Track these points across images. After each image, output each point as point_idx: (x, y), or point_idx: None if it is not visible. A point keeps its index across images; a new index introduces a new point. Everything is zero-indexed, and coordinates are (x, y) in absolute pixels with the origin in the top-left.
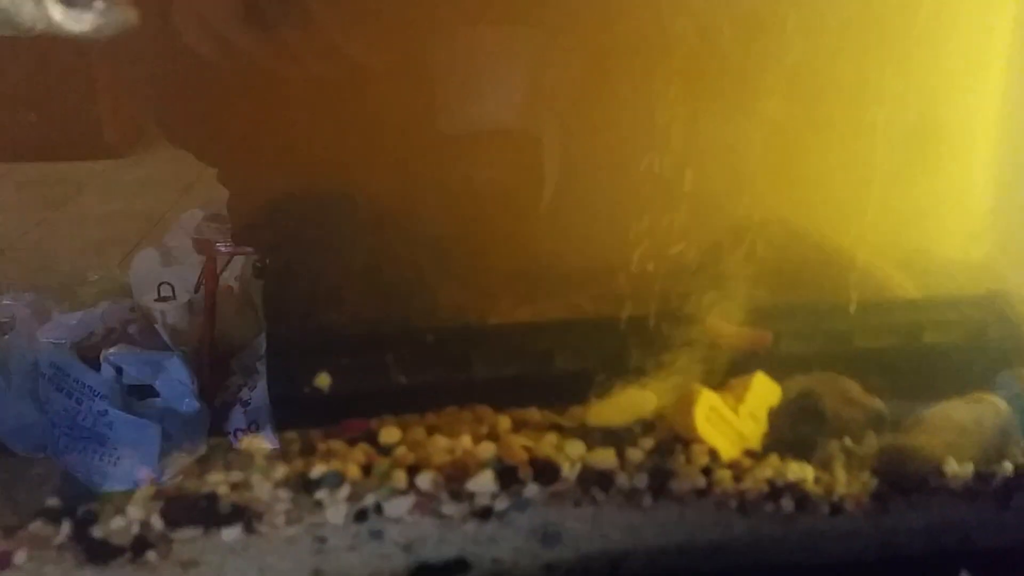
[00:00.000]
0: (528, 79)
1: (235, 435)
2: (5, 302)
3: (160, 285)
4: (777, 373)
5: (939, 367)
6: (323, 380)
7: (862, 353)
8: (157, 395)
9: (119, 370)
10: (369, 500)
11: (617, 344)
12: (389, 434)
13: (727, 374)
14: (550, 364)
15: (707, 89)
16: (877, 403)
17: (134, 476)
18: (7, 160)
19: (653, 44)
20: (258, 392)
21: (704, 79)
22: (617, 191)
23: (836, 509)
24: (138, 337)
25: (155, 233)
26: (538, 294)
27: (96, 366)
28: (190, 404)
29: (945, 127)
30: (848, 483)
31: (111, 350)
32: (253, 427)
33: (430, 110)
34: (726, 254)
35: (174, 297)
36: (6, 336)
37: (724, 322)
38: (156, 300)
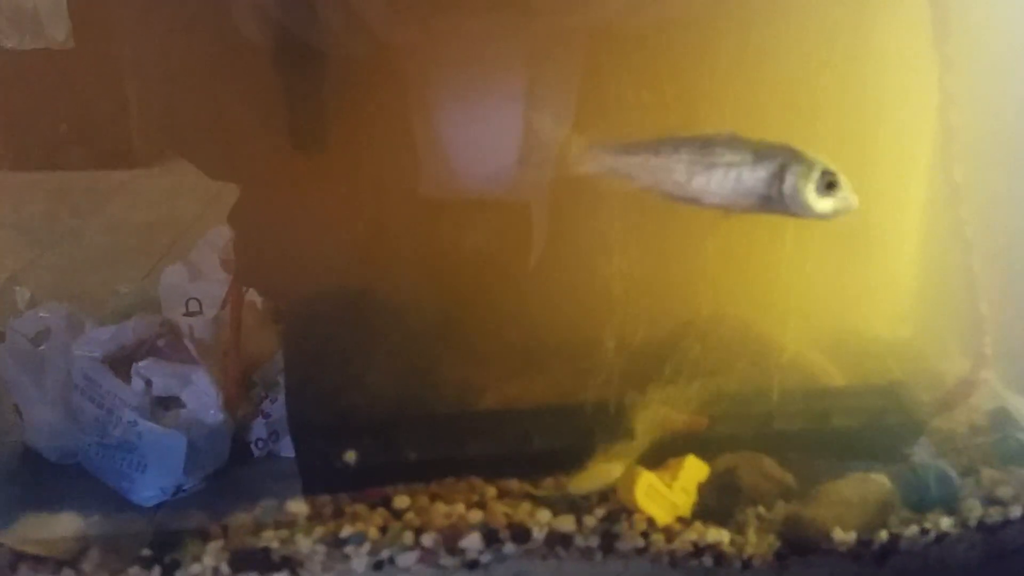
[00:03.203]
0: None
1: (256, 444)
2: (41, 314)
3: (188, 300)
4: (711, 450)
5: (844, 447)
6: (350, 456)
7: (781, 434)
8: (184, 406)
9: (148, 382)
10: (385, 554)
11: (583, 425)
12: (401, 501)
13: (671, 451)
14: (529, 443)
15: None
16: (788, 477)
17: (160, 483)
18: (39, 169)
19: None
20: (278, 405)
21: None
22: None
23: (746, 565)
24: (167, 350)
25: (181, 244)
26: (525, 370)
27: (127, 377)
28: (215, 415)
29: (876, 222)
30: (757, 544)
31: (141, 363)
32: (273, 437)
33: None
34: (676, 347)
35: (201, 312)
36: (41, 348)
37: (669, 408)
38: (184, 314)
